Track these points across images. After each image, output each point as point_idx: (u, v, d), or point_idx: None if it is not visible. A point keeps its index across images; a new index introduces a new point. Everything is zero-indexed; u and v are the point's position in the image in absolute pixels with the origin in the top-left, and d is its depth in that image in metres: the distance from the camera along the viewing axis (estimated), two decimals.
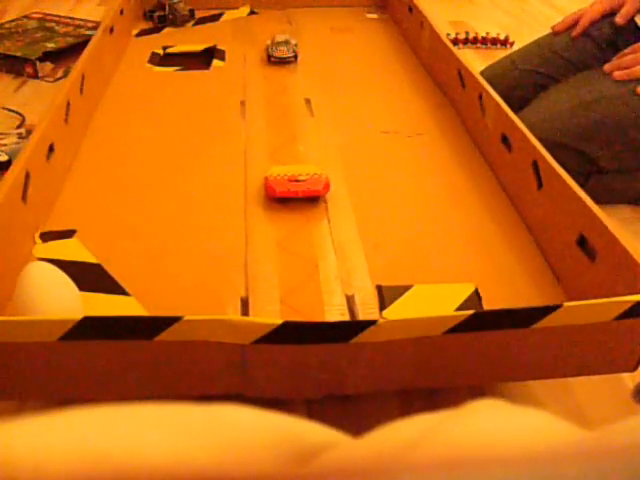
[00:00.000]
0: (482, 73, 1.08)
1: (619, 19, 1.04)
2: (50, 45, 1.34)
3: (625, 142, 0.90)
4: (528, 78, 1.10)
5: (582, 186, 0.88)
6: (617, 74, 0.92)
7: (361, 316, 0.58)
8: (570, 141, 0.90)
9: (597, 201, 0.88)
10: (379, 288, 0.61)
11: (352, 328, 0.46)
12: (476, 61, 1.42)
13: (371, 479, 0.16)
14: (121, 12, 1.20)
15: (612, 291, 0.53)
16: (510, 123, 0.75)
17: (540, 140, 0.70)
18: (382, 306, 0.59)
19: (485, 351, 0.49)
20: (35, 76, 1.30)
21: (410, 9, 1.23)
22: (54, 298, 0.53)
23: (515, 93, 1.07)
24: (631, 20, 1.04)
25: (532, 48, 1.14)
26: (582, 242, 0.60)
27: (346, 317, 0.58)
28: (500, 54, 1.27)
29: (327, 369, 0.48)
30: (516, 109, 0.79)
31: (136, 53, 1.18)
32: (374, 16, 1.39)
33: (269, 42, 1.14)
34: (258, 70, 1.11)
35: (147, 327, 0.45)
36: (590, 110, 0.90)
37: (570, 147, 0.90)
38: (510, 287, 0.62)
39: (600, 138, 0.90)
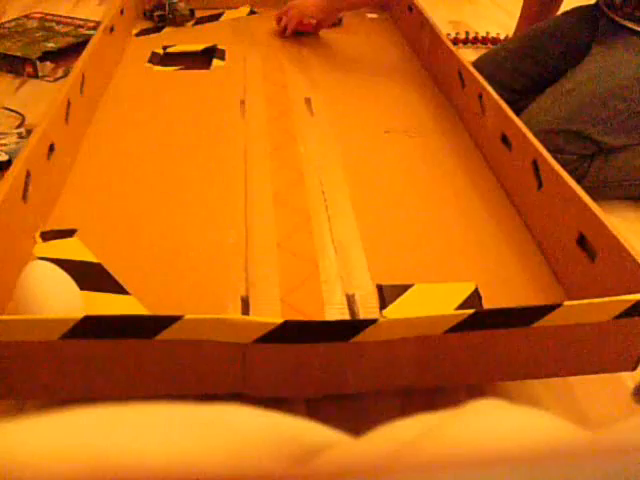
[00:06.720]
0: (473, 63, 1.11)
1: None
2: (50, 45, 1.34)
3: (612, 115, 0.93)
4: (517, 54, 1.14)
5: (588, 167, 0.94)
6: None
7: (361, 315, 0.58)
8: (560, 124, 0.93)
9: (606, 183, 0.92)
10: (379, 287, 0.61)
11: (352, 327, 0.46)
12: None
13: (371, 479, 0.16)
14: (121, 12, 1.20)
15: (612, 291, 0.53)
16: (510, 123, 0.75)
17: (533, 134, 0.71)
18: (382, 305, 0.59)
19: (485, 350, 0.49)
20: (35, 76, 1.30)
21: (410, 9, 1.23)
22: (55, 297, 0.53)
23: (504, 69, 1.12)
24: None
25: (520, 35, 1.20)
26: (582, 242, 0.60)
27: (346, 316, 0.58)
28: None
29: (327, 368, 0.48)
30: (507, 89, 0.82)
31: (136, 53, 1.18)
32: (374, 16, 1.39)
33: None
34: (258, 70, 1.11)
35: (148, 326, 0.45)
36: (572, 95, 0.95)
37: (563, 130, 0.93)
38: (510, 287, 0.62)
39: (587, 114, 0.93)
